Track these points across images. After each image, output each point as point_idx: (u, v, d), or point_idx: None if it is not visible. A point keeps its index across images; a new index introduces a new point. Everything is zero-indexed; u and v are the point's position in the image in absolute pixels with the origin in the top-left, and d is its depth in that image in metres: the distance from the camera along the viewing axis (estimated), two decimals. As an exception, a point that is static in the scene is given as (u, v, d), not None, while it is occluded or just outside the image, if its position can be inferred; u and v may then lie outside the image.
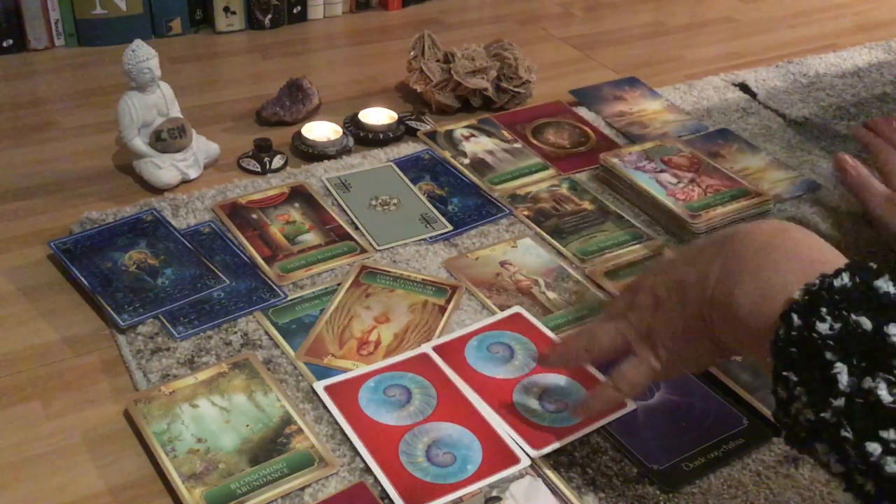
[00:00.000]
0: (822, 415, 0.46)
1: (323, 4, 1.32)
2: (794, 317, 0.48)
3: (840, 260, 0.51)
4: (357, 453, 0.63)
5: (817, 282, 0.48)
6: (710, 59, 1.28)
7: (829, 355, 0.46)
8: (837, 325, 0.46)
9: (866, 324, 0.46)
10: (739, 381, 0.71)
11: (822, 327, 0.46)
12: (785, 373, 0.48)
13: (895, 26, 1.44)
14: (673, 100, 1.13)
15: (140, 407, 0.66)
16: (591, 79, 1.19)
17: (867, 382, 0.44)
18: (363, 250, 0.83)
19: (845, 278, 0.48)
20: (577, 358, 0.66)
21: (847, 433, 0.45)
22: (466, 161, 0.98)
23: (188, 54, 1.20)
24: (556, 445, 0.64)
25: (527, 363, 0.72)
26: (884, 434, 0.44)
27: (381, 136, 1.00)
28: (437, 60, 1.09)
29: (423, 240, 0.85)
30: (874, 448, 0.44)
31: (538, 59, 1.15)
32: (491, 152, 1.00)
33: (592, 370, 0.70)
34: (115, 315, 0.73)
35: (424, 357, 0.72)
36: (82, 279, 0.77)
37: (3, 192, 0.90)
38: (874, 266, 0.49)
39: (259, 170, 0.94)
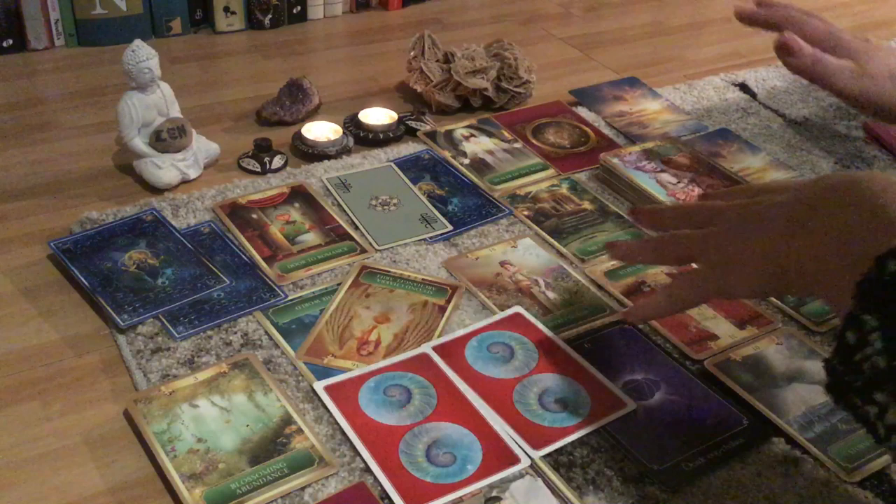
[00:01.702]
0: None
1: (323, 4, 1.33)
2: (892, 262, 0.47)
3: None
4: (357, 453, 0.63)
5: None
6: (710, 59, 1.28)
7: None
8: None
9: None
10: (739, 381, 0.71)
11: None
12: (865, 316, 0.47)
13: (895, 26, 1.44)
14: (673, 100, 1.13)
15: (140, 407, 0.66)
16: (591, 79, 1.19)
17: None
18: (363, 250, 0.83)
19: None
20: (643, 255, 0.72)
21: None
22: (466, 161, 0.98)
23: (188, 54, 1.20)
24: (556, 445, 0.64)
25: (527, 363, 0.72)
26: None
27: (381, 136, 1.00)
28: (437, 60, 1.09)
29: (423, 240, 0.85)
30: None
31: (538, 59, 1.15)
32: (491, 152, 1.00)
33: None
34: (115, 315, 0.73)
35: (424, 357, 0.72)
36: (82, 279, 0.77)
37: (3, 192, 0.90)
38: None
39: (259, 170, 0.94)
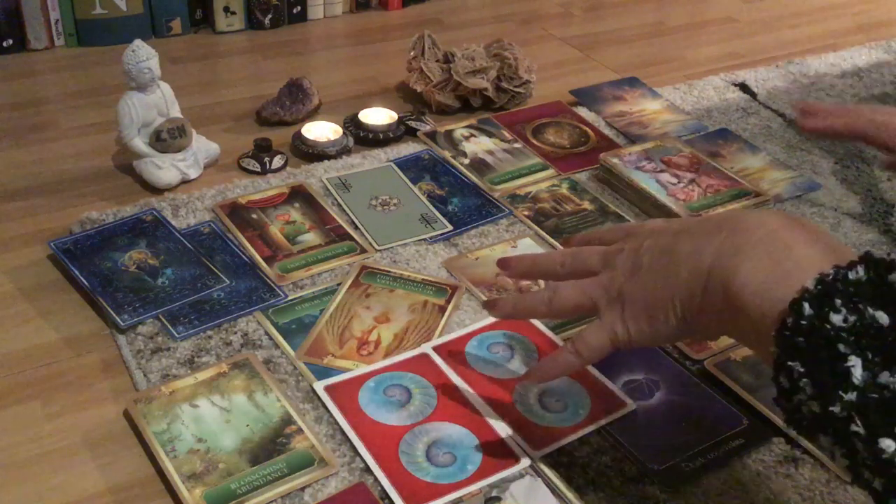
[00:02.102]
0: (831, 409, 0.44)
1: (323, 4, 1.33)
2: (806, 305, 0.46)
3: (852, 255, 0.50)
4: (357, 453, 0.63)
5: (832, 272, 0.47)
6: (710, 59, 1.28)
7: (842, 348, 0.44)
8: (852, 318, 0.45)
9: (883, 318, 0.44)
10: (739, 381, 0.71)
11: (836, 319, 0.45)
12: (790, 363, 0.46)
13: (895, 26, 1.44)
14: (673, 100, 1.13)
15: (140, 407, 0.66)
16: (591, 79, 1.19)
17: (884, 377, 0.43)
18: (363, 250, 0.83)
19: (860, 271, 0.46)
20: (534, 312, 0.63)
21: (858, 428, 0.43)
22: (466, 161, 0.98)
23: (188, 54, 1.20)
24: (556, 445, 0.64)
25: (527, 363, 0.71)
26: None
27: (381, 136, 1.00)
28: (437, 60, 1.09)
29: (423, 240, 0.85)
30: (888, 445, 0.42)
31: (538, 59, 1.15)
32: (491, 152, 1.00)
33: (557, 339, 0.70)
34: (115, 315, 0.73)
35: (424, 357, 0.72)
36: (82, 279, 0.77)
37: (3, 192, 0.90)
38: (887, 259, 0.47)
39: (259, 170, 0.94)
